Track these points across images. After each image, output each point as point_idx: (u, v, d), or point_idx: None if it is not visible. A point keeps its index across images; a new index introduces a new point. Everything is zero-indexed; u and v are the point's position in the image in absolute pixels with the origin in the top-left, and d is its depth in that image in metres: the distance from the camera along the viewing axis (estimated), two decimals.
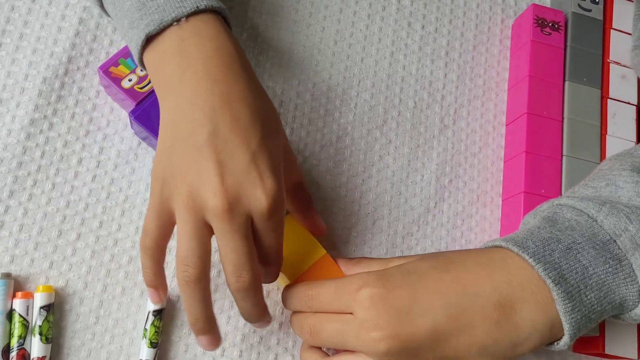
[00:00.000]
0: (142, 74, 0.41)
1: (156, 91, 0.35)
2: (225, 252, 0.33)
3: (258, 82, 0.36)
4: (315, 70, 0.49)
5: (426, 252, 0.45)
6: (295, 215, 0.40)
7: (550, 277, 0.33)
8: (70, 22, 0.44)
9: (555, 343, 0.35)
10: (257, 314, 0.36)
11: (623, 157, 0.40)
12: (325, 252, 0.40)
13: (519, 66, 0.51)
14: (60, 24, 0.44)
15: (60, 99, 0.43)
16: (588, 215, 0.36)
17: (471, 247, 0.47)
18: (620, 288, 0.34)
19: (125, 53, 0.41)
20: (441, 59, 0.51)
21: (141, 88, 0.40)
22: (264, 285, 0.37)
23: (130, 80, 0.40)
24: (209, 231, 0.33)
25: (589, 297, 0.34)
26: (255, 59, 0.47)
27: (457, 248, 0.47)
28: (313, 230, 0.41)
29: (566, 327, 0.34)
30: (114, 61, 0.40)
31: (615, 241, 0.35)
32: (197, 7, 0.34)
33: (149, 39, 0.34)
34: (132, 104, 0.40)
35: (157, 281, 0.36)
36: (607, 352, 0.44)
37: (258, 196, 0.33)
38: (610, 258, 0.34)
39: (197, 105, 0.33)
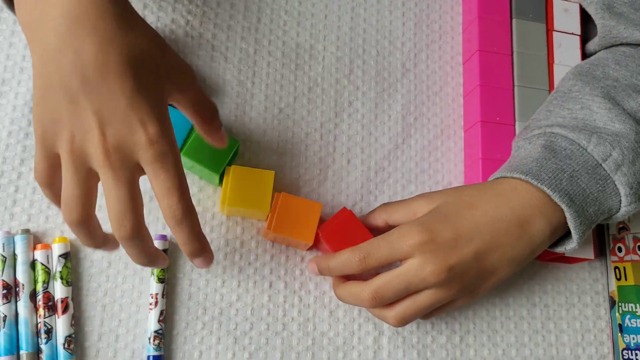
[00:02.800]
0: None
1: (23, 32, 0.33)
2: (109, 200, 0.33)
3: (132, 11, 0.34)
4: (283, 29, 0.53)
5: (437, 190, 0.49)
6: (201, 128, 0.40)
7: (564, 202, 0.42)
8: None
9: (564, 248, 0.44)
10: (146, 261, 0.35)
11: (588, 80, 0.47)
12: (321, 204, 0.45)
13: (470, 9, 0.56)
14: None
15: None
16: (579, 145, 0.43)
17: (438, 176, 0.52)
18: (608, 201, 0.43)
19: None
20: (398, 9, 0.56)
21: None
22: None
23: None
24: (96, 178, 0.33)
25: (589, 212, 0.43)
26: (226, 23, 0.52)
27: (426, 178, 0.52)
28: (215, 144, 0.41)
29: (575, 237, 0.43)
30: None
31: (601, 165, 0.43)
32: None
33: None
34: None
35: (57, 200, 0.35)
36: (567, 255, 0.49)
37: (142, 143, 0.32)
38: (600, 179, 0.43)
39: (61, 50, 0.31)
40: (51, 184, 0.35)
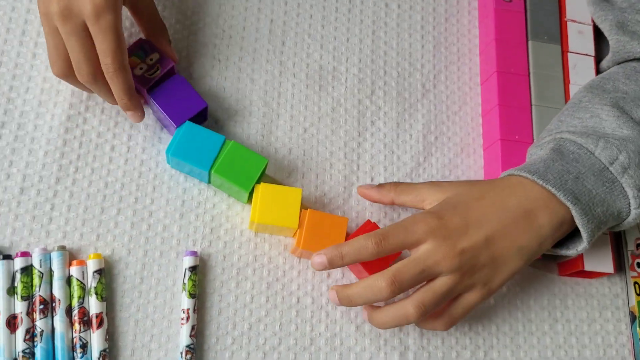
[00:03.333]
0: (151, 62, 0.47)
1: None
2: (69, 52, 0.43)
3: None
4: (307, 52, 0.55)
5: (447, 181, 0.51)
6: (151, 40, 0.49)
7: (569, 200, 0.43)
8: None
9: (575, 250, 0.46)
10: (113, 99, 0.46)
11: (598, 92, 0.49)
12: (347, 219, 0.47)
13: (487, 32, 0.58)
14: None
15: (90, 96, 0.49)
16: (587, 149, 0.45)
17: None
18: (616, 203, 0.44)
19: (135, 47, 0.48)
20: (418, 32, 0.58)
21: (150, 75, 0.47)
22: None
23: (141, 68, 0.47)
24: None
25: (596, 211, 0.44)
26: (252, 47, 0.54)
27: None
28: (166, 55, 0.48)
29: (585, 235, 0.44)
30: (128, 54, 0.47)
31: (608, 168, 0.44)
32: None
33: None
34: (142, 89, 0.47)
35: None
36: (586, 269, 0.50)
37: (86, 5, 0.41)
38: (606, 181, 0.44)
39: None
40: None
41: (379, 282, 0.42)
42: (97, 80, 0.44)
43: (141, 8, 0.48)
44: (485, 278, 0.43)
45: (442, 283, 0.43)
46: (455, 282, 0.42)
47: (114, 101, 0.46)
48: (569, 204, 0.43)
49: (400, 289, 0.42)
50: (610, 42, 0.54)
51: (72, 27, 0.42)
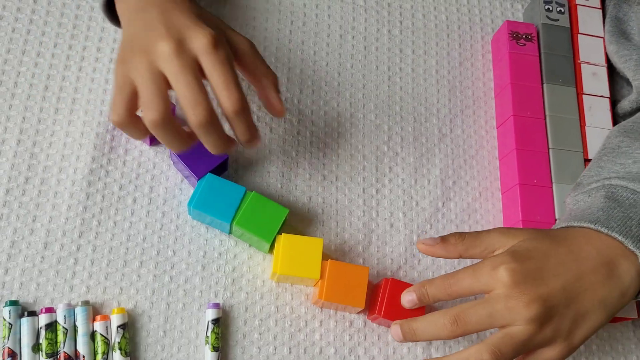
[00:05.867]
0: None
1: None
2: (180, 90, 0.38)
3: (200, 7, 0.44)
4: (324, 99, 0.56)
5: (515, 227, 0.48)
6: (256, 87, 0.46)
7: (638, 248, 0.42)
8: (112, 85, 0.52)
9: None
10: (223, 145, 0.42)
11: (636, 136, 0.49)
12: (367, 268, 0.47)
13: (502, 76, 0.58)
14: (105, 86, 0.52)
15: (112, 149, 0.50)
16: None
17: None
18: None
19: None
20: (433, 77, 0.59)
21: None
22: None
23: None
24: (165, 79, 0.39)
25: None
26: None
27: None
28: (268, 105, 0.46)
29: None
30: None
31: None
32: None
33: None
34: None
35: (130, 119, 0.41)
36: None
37: (200, 36, 0.39)
38: None
39: (145, 9, 0.41)
40: (127, 116, 0.41)
41: (443, 318, 0.40)
42: (214, 116, 0.40)
43: (240, 53, 0.44)
44: (566, 332, 0.40)
45: (519, 330, 0.39)
46: (533, 331, 0.39)
47: (225, 143, 0.42)
48: (637, 251, 0.42)
49: (463, 329, 0.40)
50: (634, 83, 0.54)
51: (186, 62, 0.38)
